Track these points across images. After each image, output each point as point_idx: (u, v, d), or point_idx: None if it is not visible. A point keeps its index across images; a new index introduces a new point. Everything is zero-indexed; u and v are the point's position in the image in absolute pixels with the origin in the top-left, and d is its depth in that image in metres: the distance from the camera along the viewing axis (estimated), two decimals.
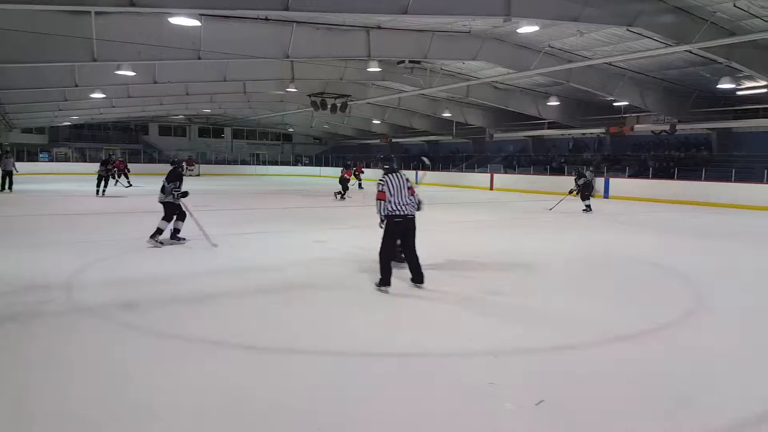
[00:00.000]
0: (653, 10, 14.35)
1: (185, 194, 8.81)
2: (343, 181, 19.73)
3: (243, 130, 52.48)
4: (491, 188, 28.57)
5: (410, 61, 20.63)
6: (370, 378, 3.76)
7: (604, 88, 21.89)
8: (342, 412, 3.25)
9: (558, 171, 27.30)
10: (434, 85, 22.39)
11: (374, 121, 39.22)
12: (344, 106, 26.85)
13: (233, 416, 3.12)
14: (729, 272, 7.75)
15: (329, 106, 26.62)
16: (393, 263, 6.09)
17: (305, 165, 48.56)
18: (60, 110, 29.73)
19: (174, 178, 8.71)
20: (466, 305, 5.64)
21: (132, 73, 17.83)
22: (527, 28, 15.21)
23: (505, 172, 30.09)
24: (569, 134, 30.47)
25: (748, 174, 18.78)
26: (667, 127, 24.03)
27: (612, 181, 22.79)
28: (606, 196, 22.21)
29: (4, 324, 4.71)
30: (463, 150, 38.42)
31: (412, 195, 6.01)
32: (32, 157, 38.37)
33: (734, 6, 13.60)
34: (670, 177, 21.86)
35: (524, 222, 14.15)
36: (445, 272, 7.16)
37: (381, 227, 6.06)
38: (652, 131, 25.59)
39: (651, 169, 22.74)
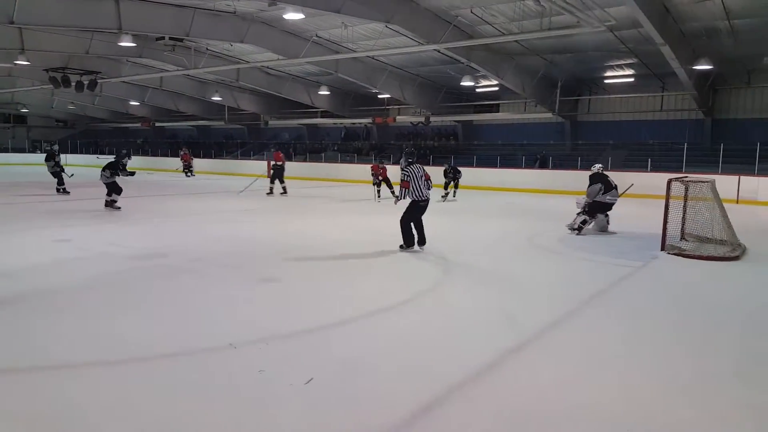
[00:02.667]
0: (407, 10, 15.64)
1: None
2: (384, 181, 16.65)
3: None
4: (268, 176, 28.27)
5: (171, 38, 19.09)
6: (128, 384, 3.43)
7: (368, 81, 23.30)
8: (93, 423, 2.95)
9: (333, 159, 28.41)
10: (201, 66, 21.12)
11: (132, 103, 35.55)
12: (93, 84, 23.35)
13: None
14: (469, 242, 8.96)
15: (74, 84, 23.05)
16: None
17: (46, 152, 41.59)
18: None
19: None
20: (235, 295, 5.48)
21: None
22: (293, 15, 15.29)
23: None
24: (341, 123, 31.78)
25: (489, 160, 21.92)
26: (422, 119, 26.71)
27: None
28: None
29: None
30: (237, 136, 37.28)
31: (427, 180, 7.67)
32: None
33: (471, 12, 15.61)
34: (427, 163, 24.35)
35: (303, 208, 14.28)
36: (212, 262, 6.98)
37: (396, 204, 8.18)
38: (411, 122, 28.26)
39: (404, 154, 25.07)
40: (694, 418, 3.10)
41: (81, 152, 39.67)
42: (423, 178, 7.59)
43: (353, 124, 31.47)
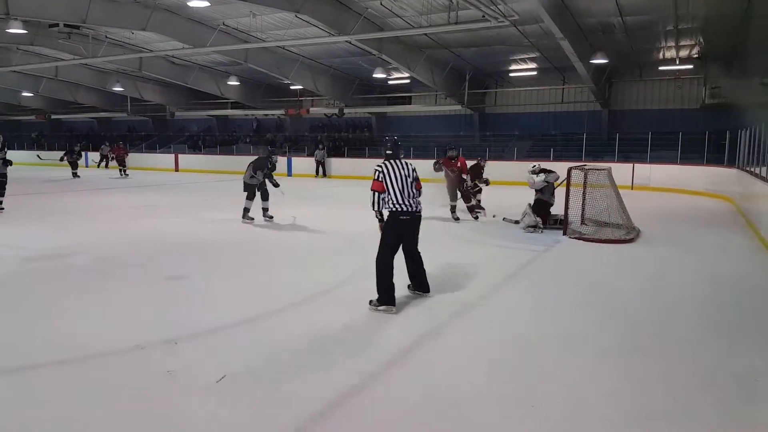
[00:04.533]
0: (317, 0, 15.57)
1: None
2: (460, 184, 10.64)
3: None
4: (176, 170, 27.24)
5: (66, 25, 17.84)
6: (28, 391, 3.26)
7: (279, 71, 22.95)
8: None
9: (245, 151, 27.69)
10: (100, 55, 19.89)
11: (24, 94, 32.85)
12: None
13: None
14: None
15: None
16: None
17: None
18: None
19: None
20: (142, 294, 5.34)
21: None
22: (197, 3, 14.82)
23: (192, 153, 29.03)
24: (252, 115, 31.06)
25: (404, 152, 22.29)
26: (336, 111, 26.67)
27: (294, 160, 24.24)
28: (290, 174, 23.52)
29: None
30: (141, 129, 35.38)
31: (418, 189, 4.99)
32: None
33: (381, 5, 15.80)
34: (342, 155, 24.45)
35: (209, 204, 13.90)
36: (120, 260, 6.80)
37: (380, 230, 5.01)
38: (325, 114, 28.10)
39: (326, 148, 24.94)
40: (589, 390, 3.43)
41: None
42: (407, 180, 4.95)
43: (265, 115, 30.85)
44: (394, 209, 4.86)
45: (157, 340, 4.01)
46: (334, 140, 26.80)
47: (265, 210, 10.03)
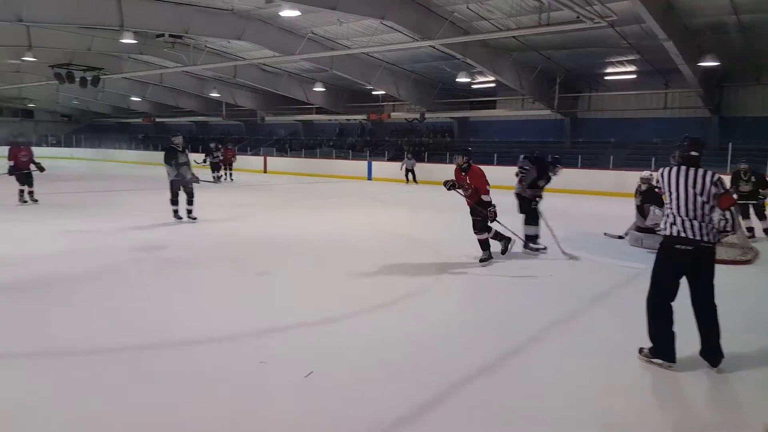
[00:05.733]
0: (402, 6, 15.61)
1: None
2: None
3: None
4: (265, 171, 28.39)
5: (170, 35, 19.16)
6: (120, 374, 3.51)
7: (363, 77, 23.26)
8: (89, 411, 3.02)
9: (327, 155, 28.42)
10: (199, 62, 21.18)
11: (133, 98, 35.66)
12: (96, 80, 23.59)
13: None
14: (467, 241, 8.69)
15: (77, 80, 23.23)
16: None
17: (53, 146, 41.76)
18: None
19: None
20: (233, 286, 5.67)
21: None
22: (289, 12, 15.30)
23: (279, 155, 30.19)
24: (336, 119, 31.74)
25: (485, 158, 21.70)
26: (417, 116, 26.62)
27: (374, 164, 24.48)
28: (369, 177, 23.79)
29: None
30: (234, 132, 37.28)
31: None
32: None
33: (467, 8, 15.55)
34: (422, 160, 24.33)
35: (296, 204, 14.32)
36: (215, 254, 7.23)
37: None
38: (406, 119, 28.13)
39: (406, 153, 24.97)
40: None
41: (84, 146, 39.98)
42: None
43: (348, 120, 31.39)
44: (674, 235, 3.60)
45: (247, 332, 4.25)
46: (415, 145, 26.76)
47: None
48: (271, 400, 3.18)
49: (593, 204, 14.43)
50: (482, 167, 7.19)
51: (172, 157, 9.55)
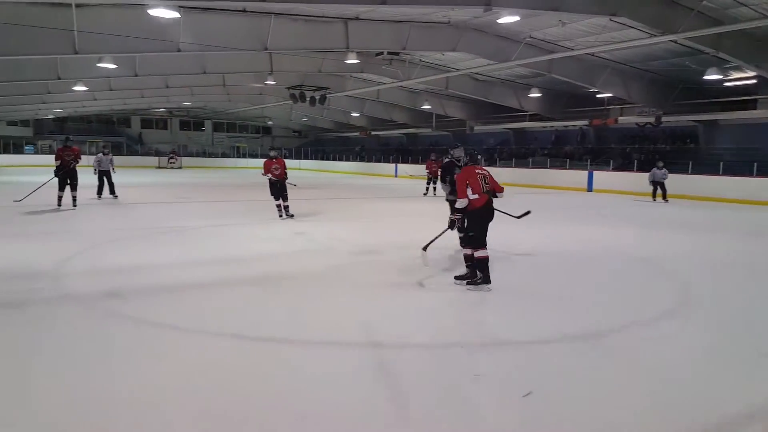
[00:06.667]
0: (637, 0, 13.84)
1: None
2: None
3: (223, 123, 52.34)
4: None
5: (389, 53, 20.03)
6: (351, 368, 3.74)
7: (586, 80, 21.41)
8: (325, 401, 3.23)
9: (541, 164, 26.83)
10: (413, 77, 21.78)
11: (353, 114, 38.57)
12: (323, 99, 26.23)
13: (214, 402, 3.16)
14: (713, 266, 7.61)
15: (308, 99, 25.99)
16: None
17: (285, 158, 47.63)
18: (43, 103, 29.40)
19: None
20: (457, 297, 5.54)
21: (113, 66, 17.54)
22: (508, 18, 14.62)
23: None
24: (551, 126, 30.00)
25: (739, 167, 18.28)
26: (652, 119, 23.54)
27: (596, 174, 22.36)
28: (590, 189, 21.80)
29: None
30: (442, 143, 37.79)
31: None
32: (18, 149, 40.03)
33: None
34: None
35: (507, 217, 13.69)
36: (442, 263, 7.11)
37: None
38: (637, 123, 25.11)
39: (636, 161, 22.30)
40: None
41: (310, 158, 44.73)
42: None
43: (565, 127, 29.40)
44: None
45: (467, 342, 4.20)
46: (647, 153, 23.77)
47: None
48: (486, 415, 3.10)
49: None
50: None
51: (449, 172, 7.23)
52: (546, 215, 13.54)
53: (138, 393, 3.28)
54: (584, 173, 22.55)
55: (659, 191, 17.14)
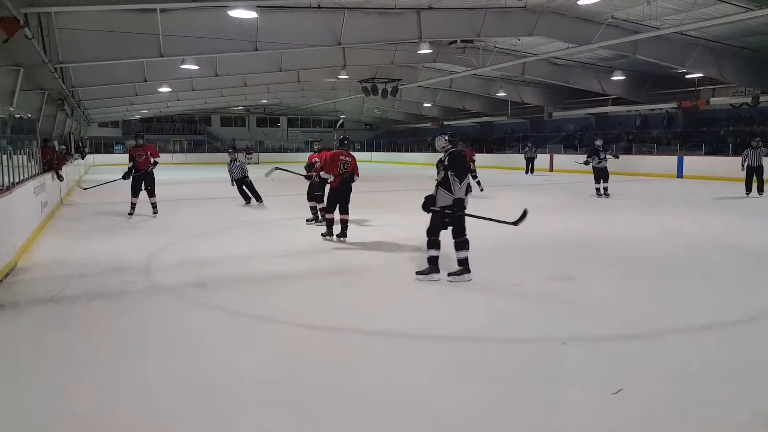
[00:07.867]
0: None
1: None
2: None
3: (297, 119, 53.87)
4: (551, 170, 27.17)
5: (462, 41, 19.76)
6: (426, 360, 3.76)
7: (674, 60, 20.07)
8: (396, 392, 3.25)
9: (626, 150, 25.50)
10: (487, 64, 21.30)
11: (425, 105, 38.31)
12: (395, 91, 26.25)
13: (290, 390, 3.29)
14: None
15: (380, 91, 26.15)
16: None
17: (356, 151, 48.29)
18: (131, 105, 31.10)
19: None
20: (534, 291, 5.47)
21: (195, 67, 18.41)
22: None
23: (566, 153, 28.55)
24: (636, 110, 28.46)
25: None
26: (748, 99, 21.76)
27: (686, 159, 21.01)
28: (680, 176, 20.52)
29: (94, 301, 5.18)
30: (518, 130, 36.86)
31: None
32: (108, 149, 43.71)
33: None
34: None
35: (590, 204, 13.34)
36: (517, 257, 7.10)
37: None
38: (731, 104, 23.28)
39: (731, 145, 20.74)
40: None
41: (381, 150, 45.01)
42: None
43: (652, 110, 27.77)
44: None
45: (549, 337, 4.10)
46: (743, 135, 22.04)
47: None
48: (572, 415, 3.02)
49: None
50: None
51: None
52: (636, 203, 12.94)
53: (217, 375, 3.48)
54: (674, 159, 21.25)
55: (756, 178, 14.05)
